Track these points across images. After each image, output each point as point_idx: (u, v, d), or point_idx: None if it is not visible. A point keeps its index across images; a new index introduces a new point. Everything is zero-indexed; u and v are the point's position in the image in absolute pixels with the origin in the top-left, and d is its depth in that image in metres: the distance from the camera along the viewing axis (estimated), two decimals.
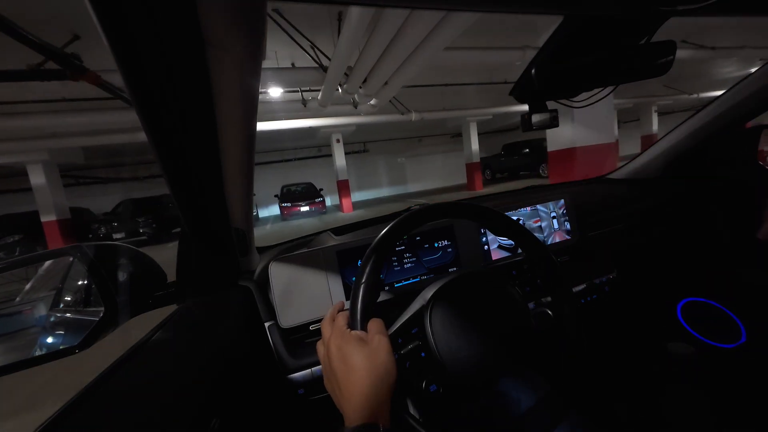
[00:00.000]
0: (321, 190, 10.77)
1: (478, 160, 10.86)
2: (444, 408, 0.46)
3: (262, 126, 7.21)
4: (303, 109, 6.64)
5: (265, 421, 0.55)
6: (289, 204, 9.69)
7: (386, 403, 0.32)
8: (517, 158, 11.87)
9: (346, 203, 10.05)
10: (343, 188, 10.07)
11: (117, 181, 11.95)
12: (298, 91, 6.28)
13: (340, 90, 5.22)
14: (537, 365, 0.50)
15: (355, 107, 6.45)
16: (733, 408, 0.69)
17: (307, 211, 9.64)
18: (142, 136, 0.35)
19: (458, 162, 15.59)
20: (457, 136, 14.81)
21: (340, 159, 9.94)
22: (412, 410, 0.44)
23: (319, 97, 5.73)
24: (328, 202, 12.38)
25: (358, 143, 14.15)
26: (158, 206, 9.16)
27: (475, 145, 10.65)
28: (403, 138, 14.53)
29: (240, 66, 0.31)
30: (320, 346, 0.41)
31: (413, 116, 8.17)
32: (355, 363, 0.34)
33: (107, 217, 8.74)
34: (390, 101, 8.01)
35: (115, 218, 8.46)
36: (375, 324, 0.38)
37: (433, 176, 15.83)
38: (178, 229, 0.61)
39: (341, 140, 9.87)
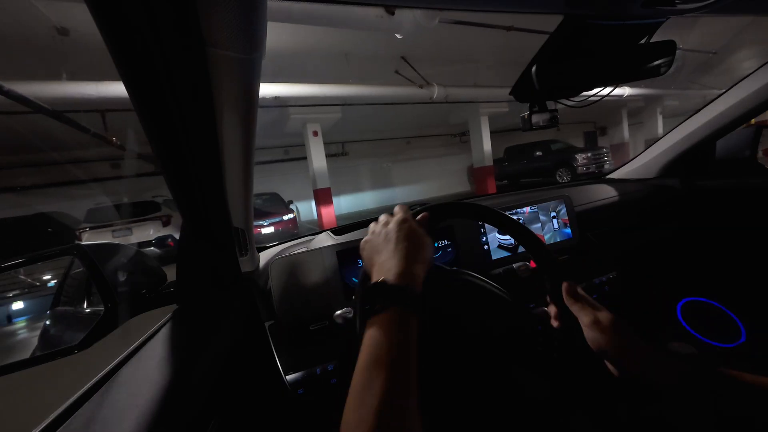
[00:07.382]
0: (290, 202, 7.91)
1: (491, 164, 8.78)
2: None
3: None
4: None
5: (265, 421, 0.59)
6: None
7: (422, 277, 0.39)
8: (525, 162, 10.26)
9: (329, 219, 7.28)
10: (324, 199, 7.25)
11: (95, 182, 9.64)
12: None
13: None
14: (535, 365, 0.52)
15: (392, 13, 3.33)
16: (732, 408, 0.64)
17: (271, 233, 6.69)
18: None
19: (452, 168, 13.56)
20: (460, 136, 12.77)
21: (318, 159, 7.05)
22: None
23: None
24: (301, 216, 9.48)
25: (336, 144, 11.41)
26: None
27: (487, 144, 8.54)
28: (391, 139, 12.05)
29: (240, 65, 0.30)
30: (374, 225, 0.46)
31: (435, 92, 5.57)
32: (419, 236, 0.42)
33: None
34: (398, 72, 5.58)
35: None
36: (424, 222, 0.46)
37: (425, 184, 13.39)
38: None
39: (320, 133, 7.15)
